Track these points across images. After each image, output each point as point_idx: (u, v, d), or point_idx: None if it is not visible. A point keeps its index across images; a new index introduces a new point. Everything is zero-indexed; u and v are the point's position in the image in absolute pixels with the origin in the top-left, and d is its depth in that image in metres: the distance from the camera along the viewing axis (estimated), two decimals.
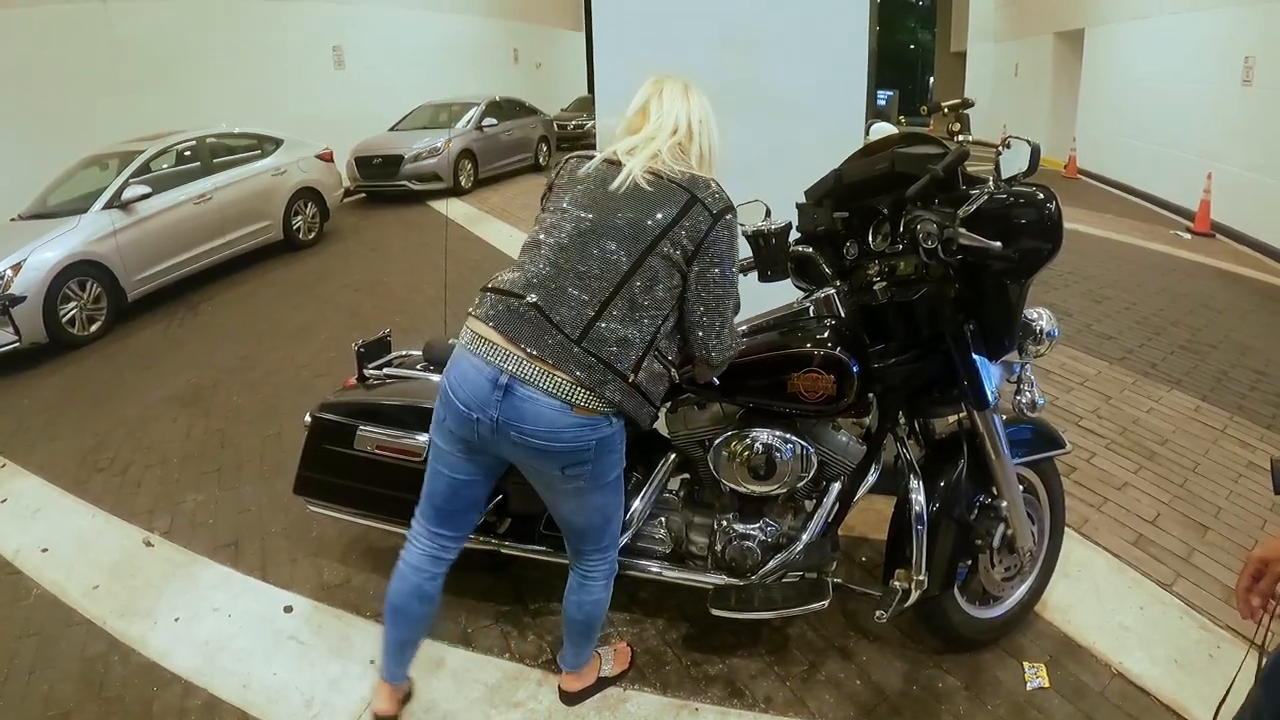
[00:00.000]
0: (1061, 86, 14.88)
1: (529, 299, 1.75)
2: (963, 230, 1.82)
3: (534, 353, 1.71)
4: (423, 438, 2.39)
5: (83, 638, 2.72)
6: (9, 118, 7.95)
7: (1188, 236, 8.56)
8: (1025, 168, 1.88)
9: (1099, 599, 2.66)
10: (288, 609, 2.77)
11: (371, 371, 2.67)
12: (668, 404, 2.32)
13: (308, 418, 2.58)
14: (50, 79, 8.44)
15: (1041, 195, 1.90)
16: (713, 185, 1.83)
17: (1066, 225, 1.93)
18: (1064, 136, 13.78)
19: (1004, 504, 2.19)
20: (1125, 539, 3.00)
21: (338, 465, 2.52)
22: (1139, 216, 9.85)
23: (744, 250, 2.17)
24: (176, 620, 2.76)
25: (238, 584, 2.94)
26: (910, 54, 37.26)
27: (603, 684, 2.31)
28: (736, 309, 1.91)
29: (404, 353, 2.80)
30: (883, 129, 3.61)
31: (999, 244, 1.78)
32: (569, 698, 2.27)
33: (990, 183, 1.91)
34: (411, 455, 2.40)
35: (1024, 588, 2.45)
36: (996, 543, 2.22)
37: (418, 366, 2.67)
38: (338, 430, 2.51)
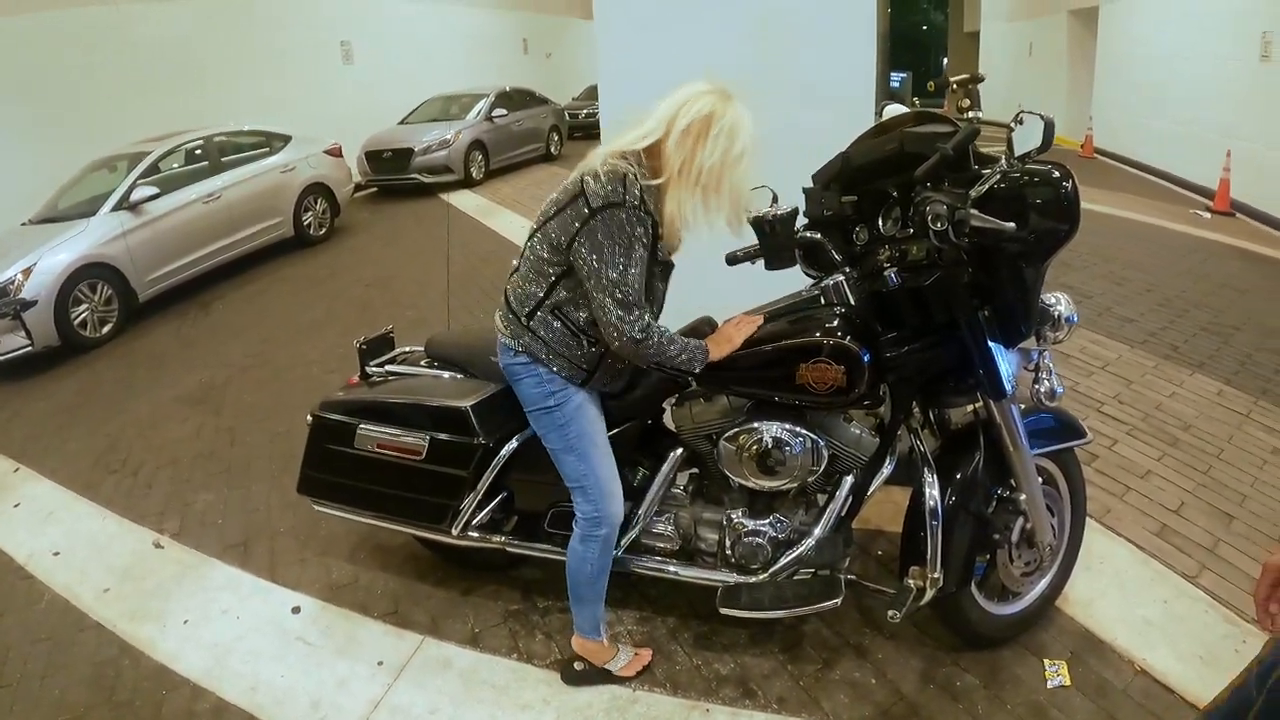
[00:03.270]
0: (1077, 65, 14.62)
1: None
2: (974, 211, 1.74)
3: None
4: (423, 435, 2.36)
5: (94, 642, 2.72)
6: (23, 125, 7.97)
7: (1207, 216, 8.39)
8: (1037, 144, 1.80)
9: (1122, 592, 2.58)
10: (295, 610, 2.75)
11: (374, 369, 2.63)
12: (673, 398, 2.27)
13: (309, 417, 2.55)
14: (62, 85, 8.46)
15: (1057, 173, 1.82)
16: (602, 178, 1.85)
17: (1085, 205, 1.85)
18: (1080, 116, 13.55)
19: (1022, 497, 2.13)
20: (1149, 529, 2.91)
21: (340, 464, 2.50)
22: (1158, 196, 9.66)
23: (750, 237, 2.11)
24: (186, 623, 2.75)
25: (246, 585, 2.93)
26: (924, 35, 36.78)
27: (605, 676, 2.28)
28: (645, 304, 1.91)
29: (407, 349, 2.76)
30: (896, 110, 3.52)
31: (1012, 225, 1.70)
32: (567, 671, 2.29)
33: (1003, 161, 1.84)
34: (412, 453, 2.37)
35: (1044, 582, 2.38)
36: (1015, 537, 2.16)
37: (421, 363, 2.63)
38: (339, 429, 2.48)
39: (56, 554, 3.27)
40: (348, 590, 2.83)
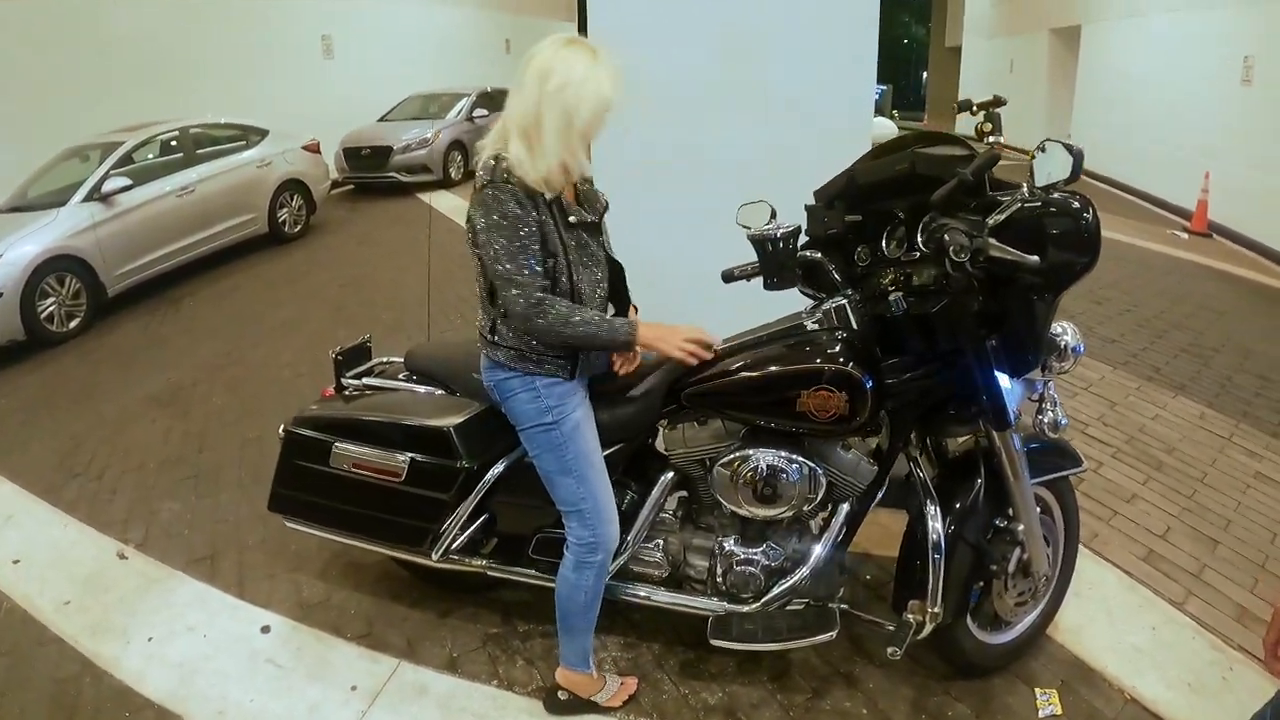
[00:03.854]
0: (1057, 83, 14.79)
1: None
2: (993, 241, 1.69)
3: None
4: (402, 456, 2.26)
5: (54, 658, 2.60)
6: None
7: (1185, 236, 8.49)
8: (1065, 175, 1.73)
9: (1110, 619, 2.57)
10: (265, 629, 2.65)
11: (350, 381, 2.52)
12: (665, 420, 2.21)
13: (281, 431, 2.45)
14: (35, 77, 8.23)
15: (1077, 203, 1.76)
16: (486, 160, 1.84)
17: None
18: (1059, 134, 13.41)
19: (1020, 527, 2.08)
20: (1136, 554, 2.91)
21: (313, 483, 2.39)
22: (1136, 215, 9.77)
23: (749, 254, 2.04)
24: (150, 640, 2.64)
25: (214, 601, 2.82)
26: (904, 49, 37.11)
27: (590, 706, 2.20)
28: (538, 276, 1.83)
29: (385, 360, 2.65)
30: (881, 124, 3.48)
31: (1035, 259, 1.65)
32: (550, 700, 2.22)
33: (1023, 189, 1.78)
34: (390, 475, 2.27)
35: (1037, 611, 2.34)
36: (1012, 568, 2.12)
37: (399, 376, 2.53)
38: (313, 446, 2.37)
39: (16, 562, 3.14)
40: (320, 609, 2.72)
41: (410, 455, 2.25)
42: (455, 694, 2.32)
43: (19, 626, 2.77)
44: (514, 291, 1.81)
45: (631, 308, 2.20)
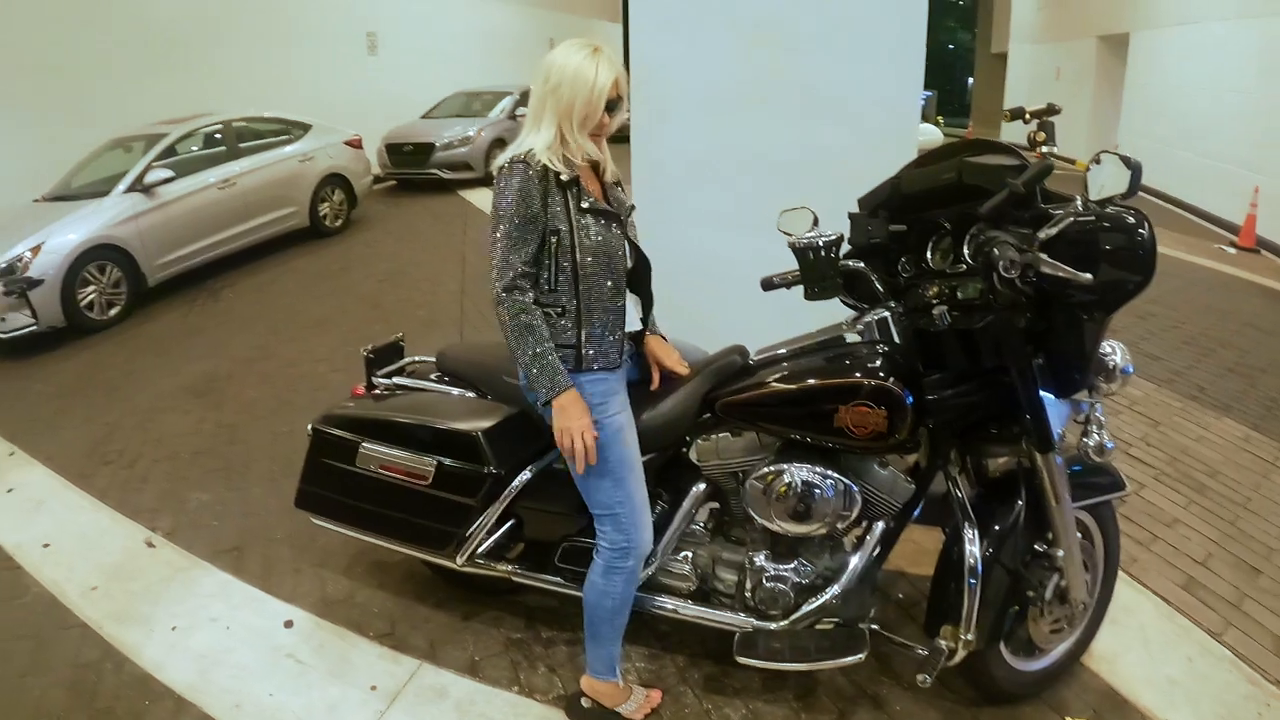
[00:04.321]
0: (1103, 92, 14.51)
1: None
2: (1044, 256, 1.62)
3: None
4: (429, 459, 2.24)
5: (77, 642, 2.62)
6: (35, 102, 7.85)
7: (1232, 251, 8.26)
8: (1122, 190, 1.64)
9: (1146, 648, 2.48)
10: (288, 624, 2.65)
11: (380, 380, 2.51)
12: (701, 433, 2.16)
13: (310, 429, 2.44)
14: (77, 64, 8.33)
15: (1132, 219, 1.69)
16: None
17: None
18: (1105, 144, 13.41)
19: (1060, 553, 2.00)
20: (1175, 581, 2.81)
21: (340, 482, 2.38)
22: (1182, 229, 9.53)
23: (790, 262, 1.99)
24: (173, 629, 2.65)
25: (238, 593, 2.83)
26: (949, 54, 36.65)
27: (614, 717, 2.16)
28: (517, 269, 1.88)
29: (416, 359, 2.64)
30: (926, 130, 3.39)
31: (1088, 276, 1.58)
32: (573, 706, 2.19)
33: (1076, 202, 1.69)
34: (417, 477, 2.25)
35: (1072, 639, 2.26)
36: (1049, 594, 2.04)
37: (431, 376, 2.51)
38: (340, 445, 2.36)
39: (46, 546, 3.18)
40: (343, 606, 2.72)
41: (437, 459, 2.23)
42: (475, 698, 2.30)
43: (44, 610, 2.80)
44: (494, 272, 1.91)
45: (656, 336, 2.21)
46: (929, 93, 27.96)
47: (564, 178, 1.91)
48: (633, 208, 2.13)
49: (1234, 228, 8.80)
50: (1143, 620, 2.60)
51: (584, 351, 1.94)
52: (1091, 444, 1.96)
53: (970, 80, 31.29)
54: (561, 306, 1.94)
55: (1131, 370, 1.95)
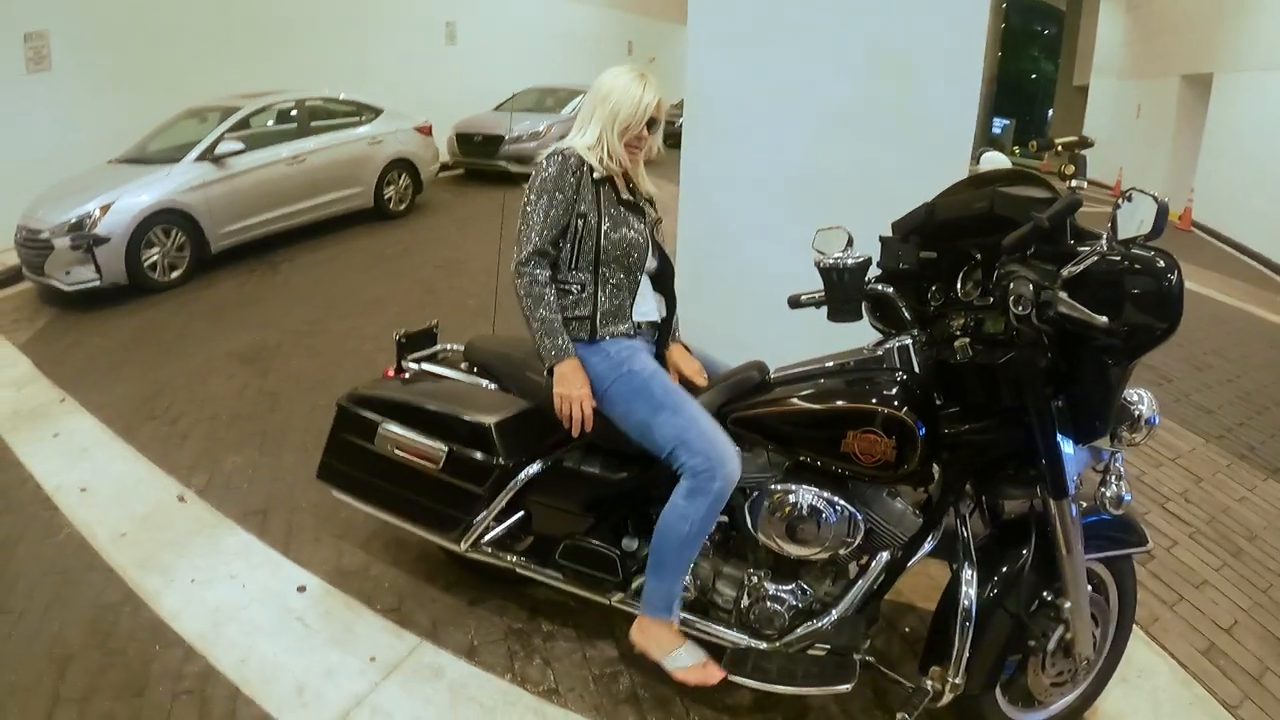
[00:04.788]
0: (1184, 132, 14.02)
1: None
2: (1063, 295, 1.57)
3: None
4: (442, 445, 2.28)
5: (101, 584, 2.74)
6: (114, 71, 8.13)
7: None
8: (1148, 229, 1.58)
9: (1156, 712, 2.39)
10: (301, 588, 2.72)
11: (410, 364, 2.56)
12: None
13: (336, 405, 2.51)
14: (156, 37, 8.59)
15: (1162, 263, 1.61)
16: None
17: None
18: (1182, 185, 12.97)
19: (1067, 604, 1.93)
20: (1196, 646, 2.70)
21: (358, 458, 2.44)
22: (1251, 280, 9.18)
23: (816, 283, 1.98)
24: (193, 581, 2.75)
25: (258, 554, 2.92)
26: (1031, 84, 35.85)
27: (663, 671, 2.12)
28: (540, 245, 2.09)
29: (449, 346, 2.69)
30: (994, 159, 3.32)
31: (1104, 320, 1.53)
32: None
33: (1104, 240, 1.63)
34: (429, 461, 2.30)
35: (1074, 694, 2.20)
36: (1052, 646, 1.97)
37: (460, 365, 2.56)
38: (362, 423, 2.43)
39: (83, 490, 3.32)
40: (355, 577, 2.78)
41: (450, 445, 2.27)
42: (468, 682, 2.33)
43: (74, 550, 2.93)
44: (515, 246, 2.11)
45: (679, 345, 2.30)
46: (1006, 121, 27.33)
47: (597, 175, 2.11)
48: (659, 220, 2.30)
49: None
50: (1156, 683, 2.51)
51: (598, 321, 2.12)
52: (1109, 494, 1.89)
53: (1050, 112, 30.55)
54: (580, 283, 2.13)
55: (1158, 421, 1.89)
